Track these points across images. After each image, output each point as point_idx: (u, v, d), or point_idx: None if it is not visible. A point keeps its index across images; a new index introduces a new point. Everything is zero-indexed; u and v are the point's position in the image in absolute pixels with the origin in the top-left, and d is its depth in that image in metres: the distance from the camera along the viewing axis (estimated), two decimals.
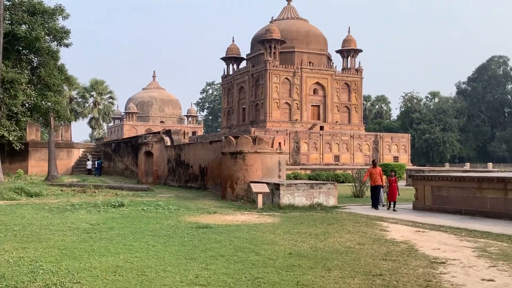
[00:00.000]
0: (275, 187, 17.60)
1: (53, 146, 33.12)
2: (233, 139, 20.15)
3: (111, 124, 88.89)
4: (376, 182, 18.54)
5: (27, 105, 36.80)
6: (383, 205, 19.23)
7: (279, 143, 20.21)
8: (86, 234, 11.49)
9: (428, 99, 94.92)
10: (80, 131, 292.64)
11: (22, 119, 36.42)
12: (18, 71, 34.61)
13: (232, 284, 7.16)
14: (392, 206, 17.76)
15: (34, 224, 13.12)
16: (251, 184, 18.04)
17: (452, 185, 16.40)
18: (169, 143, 30.30)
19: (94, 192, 23.58)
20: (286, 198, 17.41)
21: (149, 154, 31.32)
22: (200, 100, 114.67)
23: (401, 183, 40.53)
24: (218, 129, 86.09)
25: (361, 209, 18.08)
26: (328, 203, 18.15)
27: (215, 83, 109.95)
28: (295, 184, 17.85)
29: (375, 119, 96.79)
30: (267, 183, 18.07)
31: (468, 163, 71.59)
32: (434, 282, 7.43)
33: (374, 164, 19.26)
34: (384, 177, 19.82)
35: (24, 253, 9.18)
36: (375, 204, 18.26)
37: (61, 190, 24.12)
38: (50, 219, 14.23)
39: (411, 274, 7.93)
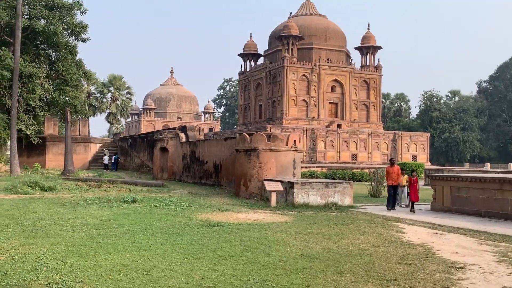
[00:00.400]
0: (289, 186, 17.29)
1: (70, 140, 33.27)
2: (247, 136, 19.87)
3: (129, 119, 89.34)
4: (394, 182, 17.70)
5: (45, 99, 37.01)
6: (404, 205, 18.67)
7: (294, 140, 19.85)
8: (96, 231, 11.33)
9: (448, 98, 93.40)
10: (99, 126, 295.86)
11: (39, 114, 36.62)
12: (36, 65, 34.84)
13: (239, 287, 6.90)
14: (411, 206, 17.06)
15: (44, 219, 13.02)
16: (264, 182, 17.76)
17: (472, 186, 15.89)
18: (184, 139, 30.17)
19: (109, 187, 23.53)
20: (300, 197, 17.09)
21: (164, 150, 31.23)
22: (217, 97, 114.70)
23: (420, 183, 39.86)
24: (235, 126, 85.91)
25: (377, 209, 17.66)
26: (344, 202, 17.78)
27: (232, 79, 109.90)
28: (310, 182, 17.50)
29: (394, 117, 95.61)
30: (281, 181, 17.76)
31: (488, 163, 70.31)
32: None
33: (391, 162, 18.39)
34: (405, 176, 19.10)
35: (30, 249, 9.03)
36: (392, 205, 17.30)
37: (76, 185, 24.14)
38: (62, 214, 14.14)
39: (427, 279, 7.58)
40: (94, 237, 10.44)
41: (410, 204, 17.21)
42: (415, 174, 17.92)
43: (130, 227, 11.93)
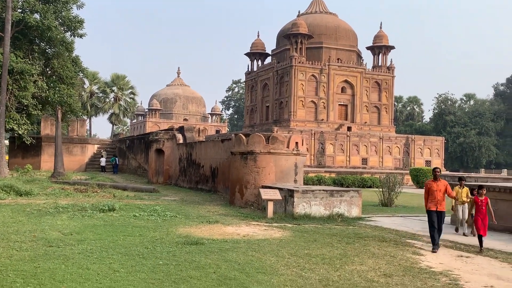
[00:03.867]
0: (289, 194, 15.16)
1: (60, 141, 31.41)
2: (243, 137, 17.75)
3: (135, 120, 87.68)
4: (439, 206, 11.05)
5: (38, 97, 35.18)
6: (464, 234, 13.25)
7: (296, 142, 17.70)
8: (46, 249, 9.36)
9: (463, 101, 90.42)
10: (104, 127, 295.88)
11: (33, 113, 34.77)
12: (29, 61, 33.04)
13: None
14: (479, 242, 10.99)
15: None
16: (261, 190, 15.63)
17: (501, 197, 13.64)
18: (181, 141, 28.10)
19: (96, 191, 21.60)
20: (301, 206, 14.95)
21: (160, 152, 29.19)
22: (225, 98, 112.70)
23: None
24: (243, 128, 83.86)
25: (389, 221, 15.46)
26: (351, 213, 15.62)
27: (241, 81, 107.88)
28: (312, 190, 15.35)
29: (406, 121, 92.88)
30: (280, 189, 15.63)
31: (505, 170, 67.54)
32: None
33: (435, 174, 11.22)
34: (464, 189, 13.44)
35: None
36: (435, 240, 10.90)
37: (62, 189, 22.21)
38: (21, 225, 12.21)
39: None
40: (37, 259, 8.44)
41: (478, 238, 11.07)
42: (484, 191, 11.58)
43: (90, 244, 9.91)
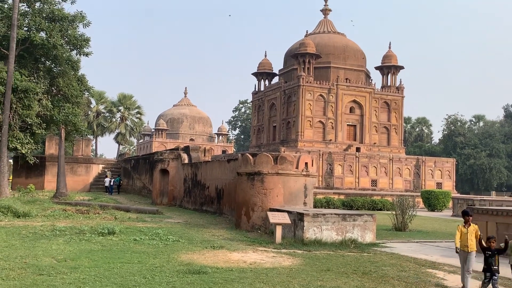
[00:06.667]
0: (298, 218, 14.30)
1: (63, 160, 30.79)
2: (250, 157, 16.97)
3: (142, 140, 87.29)
4: None
5: (43, 116, 34.71)
6: None
7: (306, 163, 16.89)
8: (35, 277, 8.58)
9: (472, 122, 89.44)
10: (113, 146, 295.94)
11: (37, 132, 34.26)
12: (34, 80, 32.67)
13: None
14: None
15: None
16: (268, 213, 14.77)
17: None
18: (186, 161, 27.34)
19: (98, 213, 20.86)
20: (311, 231, 14.07)
21: (165, 172, 28.42)
22: (232, 119, 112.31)
23: (447, 213, 36.44)
24: (249, 148, 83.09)
25: (405, 248, 14.53)
26: (364, 239, 14.71)
27: (248, 101, 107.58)
28: (323, 214, 14.48)
29: (415, 142, 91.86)
30: (289, 212, 14.79)
31: None
32: None
33: None
34: (468, 231, 9.23)
35: None
36: None
37: (63, 210, 21.47)
38: (13, 249, 11.46)
39: None
40: None
41: None
42: None
43: (84, 272, 9.11)
